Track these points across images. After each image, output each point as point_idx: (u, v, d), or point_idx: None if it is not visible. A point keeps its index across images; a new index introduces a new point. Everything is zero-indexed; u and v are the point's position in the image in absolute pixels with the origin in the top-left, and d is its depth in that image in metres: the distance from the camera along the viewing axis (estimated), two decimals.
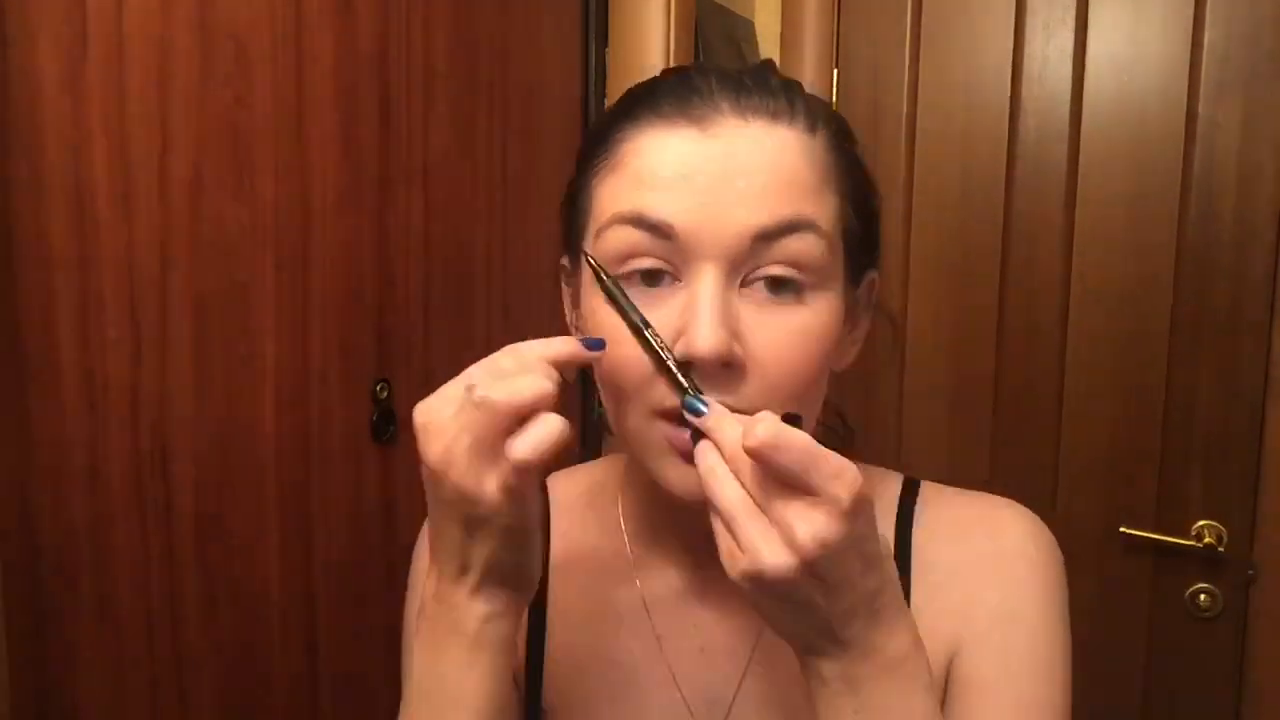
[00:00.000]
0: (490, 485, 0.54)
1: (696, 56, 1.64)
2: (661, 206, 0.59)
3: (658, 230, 0.59)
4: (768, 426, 0.50)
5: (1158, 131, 1.53)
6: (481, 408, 0.53)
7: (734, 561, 0.52)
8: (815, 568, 0.50)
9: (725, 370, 0.58)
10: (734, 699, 0.69)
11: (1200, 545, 1.53)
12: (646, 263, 0.60)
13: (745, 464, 0.52)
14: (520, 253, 1.44)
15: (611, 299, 0.60)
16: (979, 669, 0.67)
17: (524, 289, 1.46)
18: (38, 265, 0.88)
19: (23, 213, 0.86)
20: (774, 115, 0.61)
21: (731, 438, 0.53)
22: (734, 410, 0.56)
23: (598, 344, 0.60)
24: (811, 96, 0.65)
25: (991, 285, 1.65)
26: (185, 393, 1.00)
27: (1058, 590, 0.70)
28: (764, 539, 0.51)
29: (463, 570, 0.59)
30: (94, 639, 0.94)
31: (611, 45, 1.61)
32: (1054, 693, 0.67)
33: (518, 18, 1.44)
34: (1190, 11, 1.50)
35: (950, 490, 0.76)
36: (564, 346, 0.58)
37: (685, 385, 0.57)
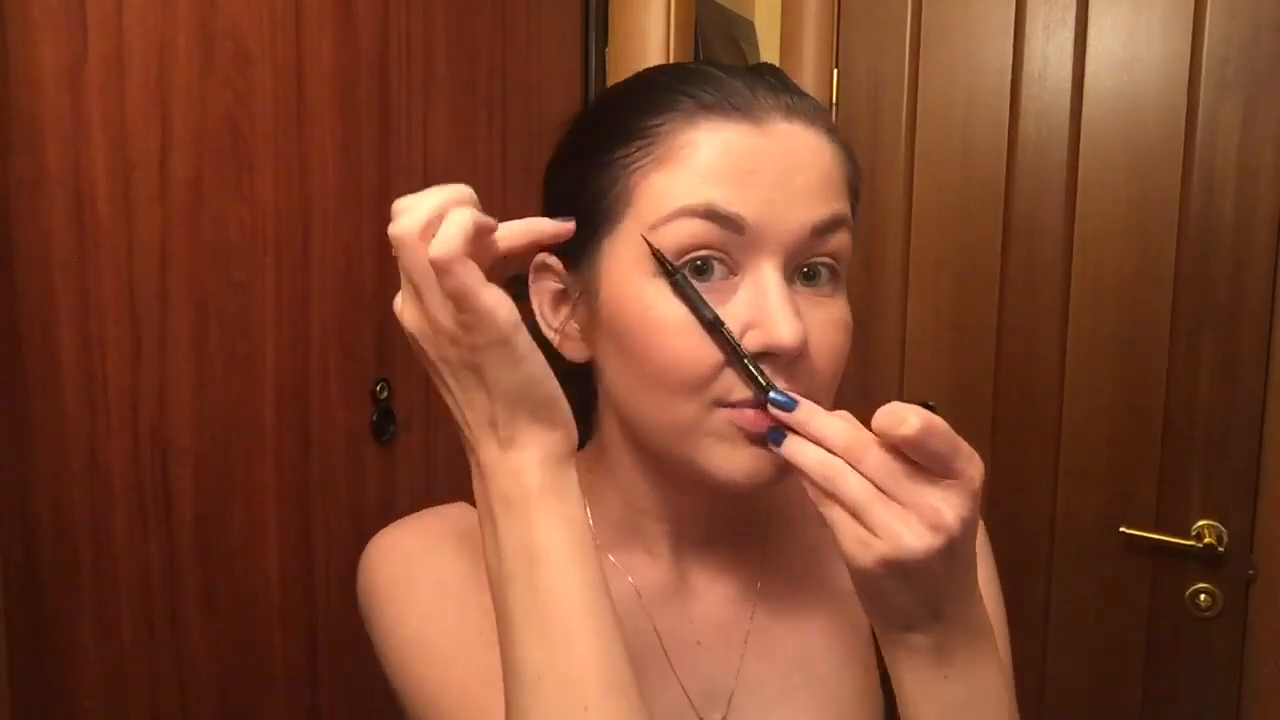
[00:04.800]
0: (442, 314, 0.55)
1: (696, 56, 1.64)
2: (734, 200, 0.60)
3: (728, 223, 0.60)
4: (920, 415, 0.52)
5: (1158, 131, 1.53)
6: (400, 250, 0.55)
7: (866, 548, 0.53)
8: (953, 546, 0.53)
9: (790, 361, 0.61)
10: (734, 689, 0.70)
11: (1200, 545, 1.53)
12: (705, 253, 0.61)
13: (865, 454, 0.54)
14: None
15: (680, 292, 0.60)
16: None
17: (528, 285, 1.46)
18: (38, 265, 0.88)
19: (23, 213, 0.86)
20: (809, 117, 0.64)
21: (841, 431, 0.55)
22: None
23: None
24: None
25: (991, 285, 1.65)
26: (185, 393, 1.00)
27: (991, 557, 0.77)
28: (905, 524, 0.52)
29: (490, 426, 0.57)
30: (94, 639, 0.94)
31: (611, 45, 1.61)
32: (1007, 653, 0.72)
33: (518, 18, 1.44)
34: (1190, 11, 1.50)
35: None
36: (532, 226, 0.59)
37: (767, 383, 0.59)
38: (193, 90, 0.98)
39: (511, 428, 0.57)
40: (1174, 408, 1.55)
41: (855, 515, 0.54)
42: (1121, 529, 1.59)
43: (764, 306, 0.60)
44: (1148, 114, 1.54)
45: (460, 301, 0.54)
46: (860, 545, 0.54)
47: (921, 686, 0.58)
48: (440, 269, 0.53)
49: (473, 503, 0.74)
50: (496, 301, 0.54)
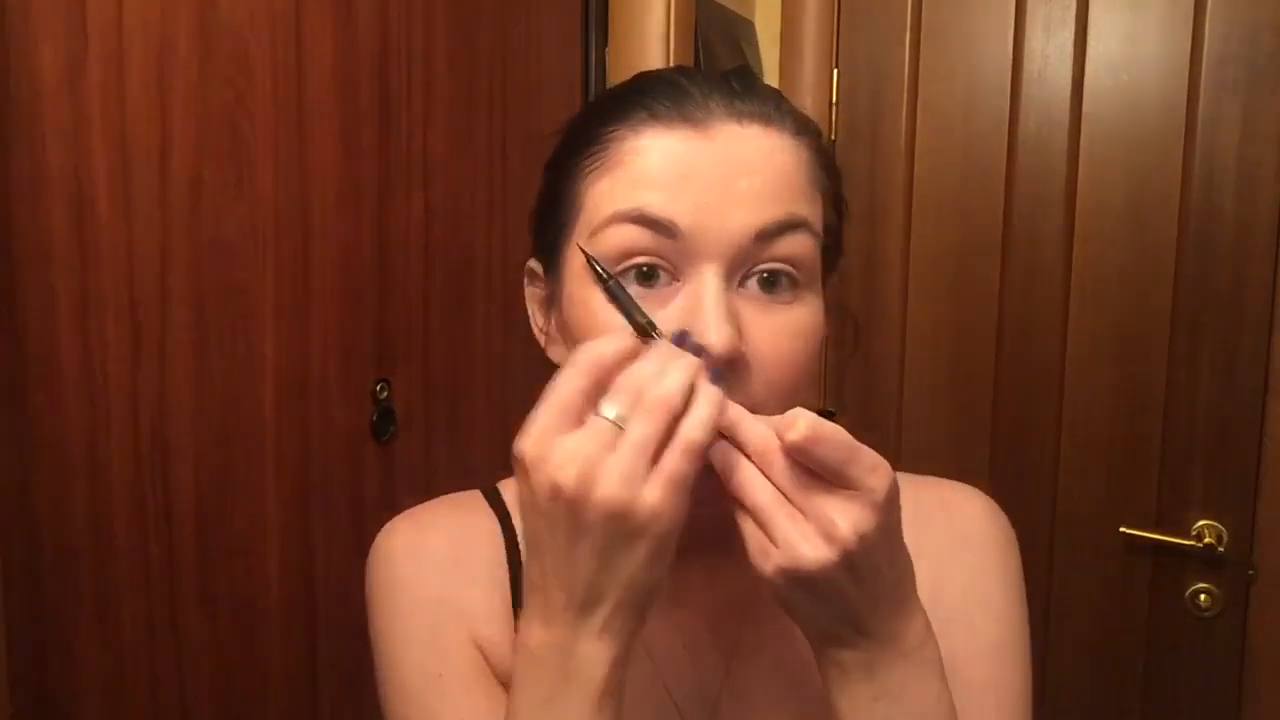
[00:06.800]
0: (651, 491, 0.51)
1: (696, 56, 1.64)
2: (664, 204, 0.59)
3: (660, 228, 0.59)
4: (808, 421, 0.51)
5: (1158, 131, 1.53)
6: (648, 411, 0.51)
7: (766, 557, 0.52)
8: (852, 560, 0.51)
9: (729, 369, 0.59)
10: (720, 695, 0.70)
11: (1200, 545, 1.53)
12: (645, 259, 0.60)
13: (774, 460, 0.52)
14: (520, 252, 1.44)
15: (614, 298, 0.60)
16: (949, 651, 0.67)
17: (524, 289, 1.46)
18: (38, 265, 0.88)
19: (23, 212, 0.86)
20: (767, 120, 0.63)
21: (757, 434, 0.53)
22: None
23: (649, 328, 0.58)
24: (790, 104, 0.67)
25: (991, 285, 1.65)
26: (185, 393, 1.00)
27: (1016, 571, 0.74)
28: (800, 534, 0.51)
29: (591, 603, 0.53)
30: (94, 639, 0.94)
31: (611, 45, 1.61)
32: (1019, 672, 0.70)
33: (518, 18, 1.44)
34: (1190, 12, 1.50)
35: (901, 475, 0.76)
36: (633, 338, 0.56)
37: None
38: (193, 90, 0.98)
39: (616, 619, 0.54)
40: (1174, 407, 1.55)
41: (759, 523, 0.53)
42: (1121, 529, 1.59)
43: (698, 312, 0.59)
44: (1148, 114, 1.54)
45: (682, 482, 0.51)
46: (761, 554, 0.53)
47: (851, 705, 0.56)
48: (695, 451, 0.51)
49: (478, 487, 0.73)
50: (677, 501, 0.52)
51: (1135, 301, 1.57)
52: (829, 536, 0.51)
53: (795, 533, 0.51)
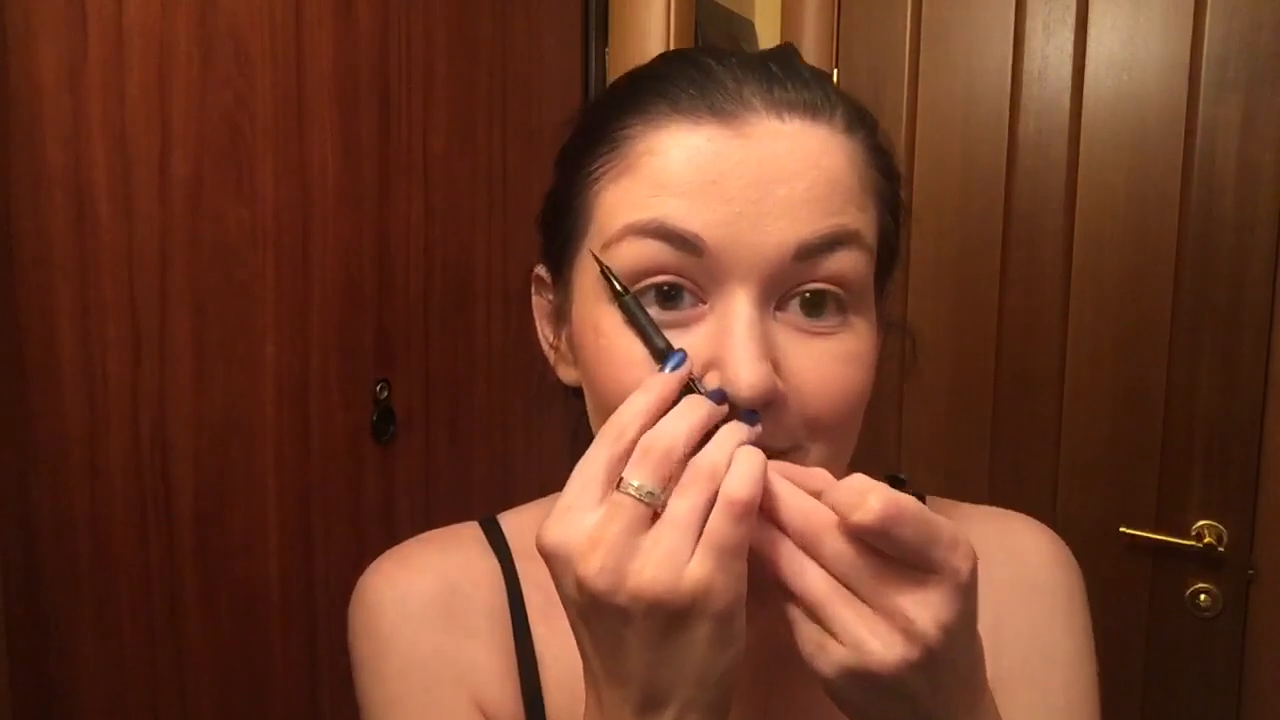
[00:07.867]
0: (699, 565, 0.44)
1: None
2: (688, 216, 0.51)
3: (682, 243, 0.51)
4: (883, 498, 0.43)
5: (1158, 131, 1.53)
6: (694, 482, 0.45)
7: (825, 653, 0.44)
8: (934, 657, 0.43)
9: (763, 409, 0.50)
10: None
11: (1200, 545, 1.53)
12: (665, 278, 0.52)
13: (824, 541, 0.45)
14: (520, 253, 1.44)
15: (630, 317, 0.52)
16: (1014, 707, 0.60)
17: (524, 289, 1.46)
18: (38, 265, 0.88)
19: (23, 213, 0.86)
20: (813, 113, 0.54)
21: (800, 512, 0.46)
22: (769, 449, 0.48)
23: (680, 358, 0.50)
24: (841, 89, 0.59)
25: (991, 284, 1.65)
26: (185, 393, 1.00)
27: (1085, 617, 0.67)
28: (870, 629, 0.43)
29: (653, 704, 0.46)
30: (94, 639, 0.94)
31: (611, 45, 1.61)
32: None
33: (518, 18, 1.44)
34: (1190, 12, 1.50)
35: (954, 505, 0.70)
36: (668, 385, 0.49)
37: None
38: (193, 90, 0.98)
39: (685, 716, 0.46)
40: (1174, 408, 1.55)
41: (813, 614, 0.45)
42: (1121, 529, 1.59)
43: (726, 344, 0.50)
44: (1148, 114, 1.54)
45: (736, 549, 0.45)
46: (818, 649, 0.45)
47: None
48: (746, 509, 0.44)
49: (476, 517, 0.67)
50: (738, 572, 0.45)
51: (1135, 301, 1.56)
52: (908, 633, 0.43)
53: (863, 628, 0.43)
